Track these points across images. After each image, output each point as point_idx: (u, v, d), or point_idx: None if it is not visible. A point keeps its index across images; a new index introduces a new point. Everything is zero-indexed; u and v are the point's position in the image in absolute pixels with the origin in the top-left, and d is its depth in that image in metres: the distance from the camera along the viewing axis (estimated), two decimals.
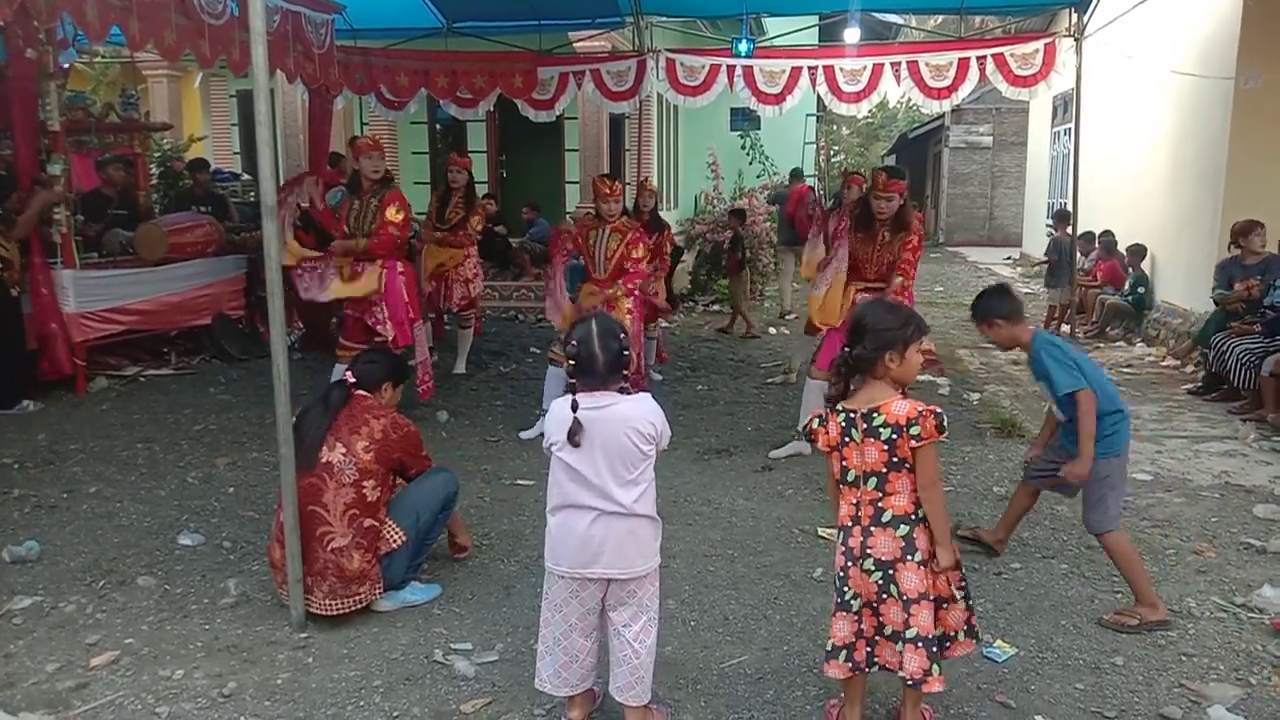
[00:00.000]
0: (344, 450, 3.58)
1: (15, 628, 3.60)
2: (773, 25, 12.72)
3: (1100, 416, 3.57)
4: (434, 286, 7.76)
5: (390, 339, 6.01)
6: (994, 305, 3.76)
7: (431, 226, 7.82)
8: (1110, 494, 3.67)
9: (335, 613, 3.57)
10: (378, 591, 3.67)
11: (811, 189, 8.81)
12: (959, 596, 2.83)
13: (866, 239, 5.55)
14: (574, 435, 2.72)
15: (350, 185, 6.29)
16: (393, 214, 5.95)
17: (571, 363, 2.77)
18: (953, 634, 2.84)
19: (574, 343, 2.77)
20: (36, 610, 3.74)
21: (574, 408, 2.73)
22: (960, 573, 2.84)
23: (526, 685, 3.18)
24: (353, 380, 3.75)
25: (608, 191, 6.09)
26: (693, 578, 4.04)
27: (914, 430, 2.65)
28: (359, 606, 3.61)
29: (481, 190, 10.48)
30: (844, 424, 2.76)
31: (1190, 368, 8.20)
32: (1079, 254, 10.63)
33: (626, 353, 2.76)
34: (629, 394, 2.81)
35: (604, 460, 2.73)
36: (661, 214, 8.69)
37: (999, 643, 3.45)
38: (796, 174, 12.71)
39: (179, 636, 3.53)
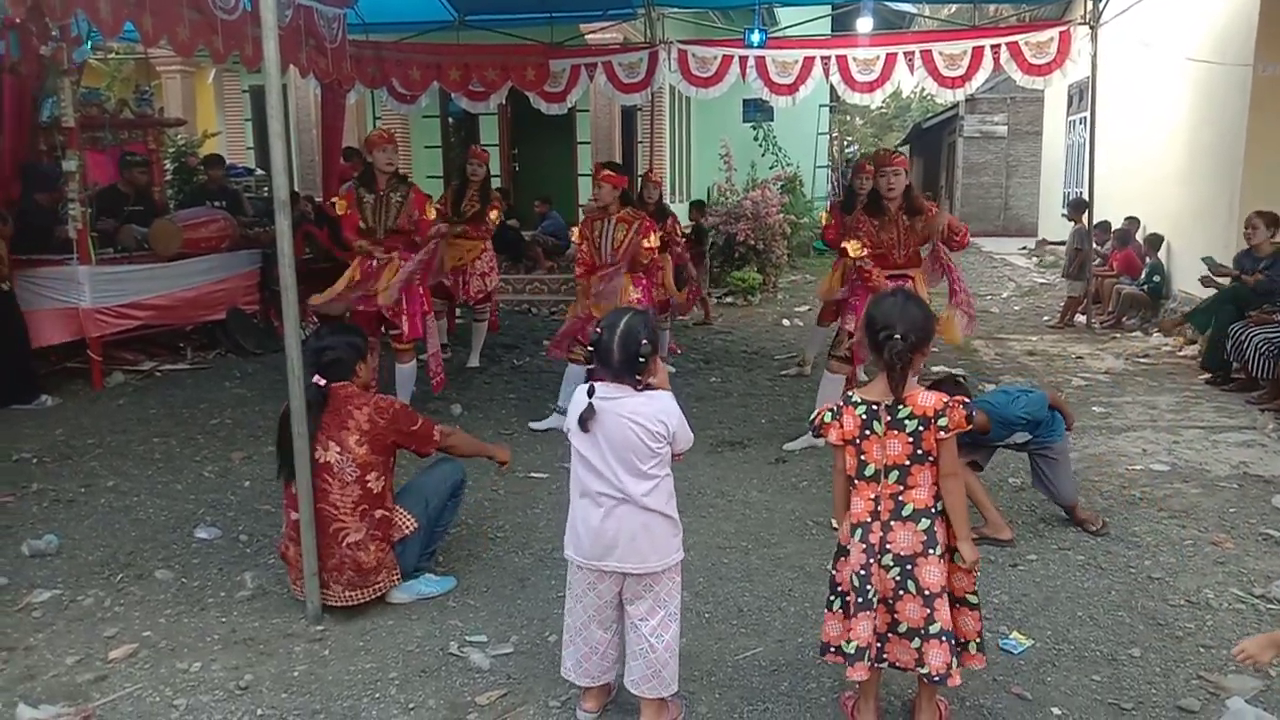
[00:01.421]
0: (338, 449, 3.54)
1: (35, 621, 3.63)
2: (785, 15, 12.66)
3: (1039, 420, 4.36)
4: (451, 280, 7.78)
5: (403, 332, 6.07)
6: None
7: (445, 218, 7.82)
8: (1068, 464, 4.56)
9: (353, 603, 3.58)
10: (395, 578, 3.68)
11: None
12: (974, 602, 2.80)
13: (884, 224, 5.46)
14: (585, 420, 2.74)
15: (363, 178, 6.26)
16: (430, 213, 6.28)
17: (591, 349, 2.80)
18: (965, 642, 2.80)
19: (599, 330, 2.80)
20: (55, 603, 3.77)
21: (590, 393, 2.75)
22: (973, 578, 2.81)
23: (541, 677, 3.19)
24: (324, 382, 3.59)
25: (601, 178, 6.09)
26: (707, 570, 4.04)
27: (942, 421, 2.62)
28: (376, 596, 3.63)
29: (493, 183, 10.48)
30: (864, 416, 2.71)
31: (1181, 341, 8.51)
32: (1094, 244, 10.56)
33: (644, 359, 2.74)
34: (645, 391, 2.79)
35: (611, 451, 2.75)
36: (673, 205, 8.69)
37: (1015, 634, 3.43)
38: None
39: (196, 629, 3.55)
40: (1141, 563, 4.07)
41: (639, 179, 9.84)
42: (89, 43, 8.31)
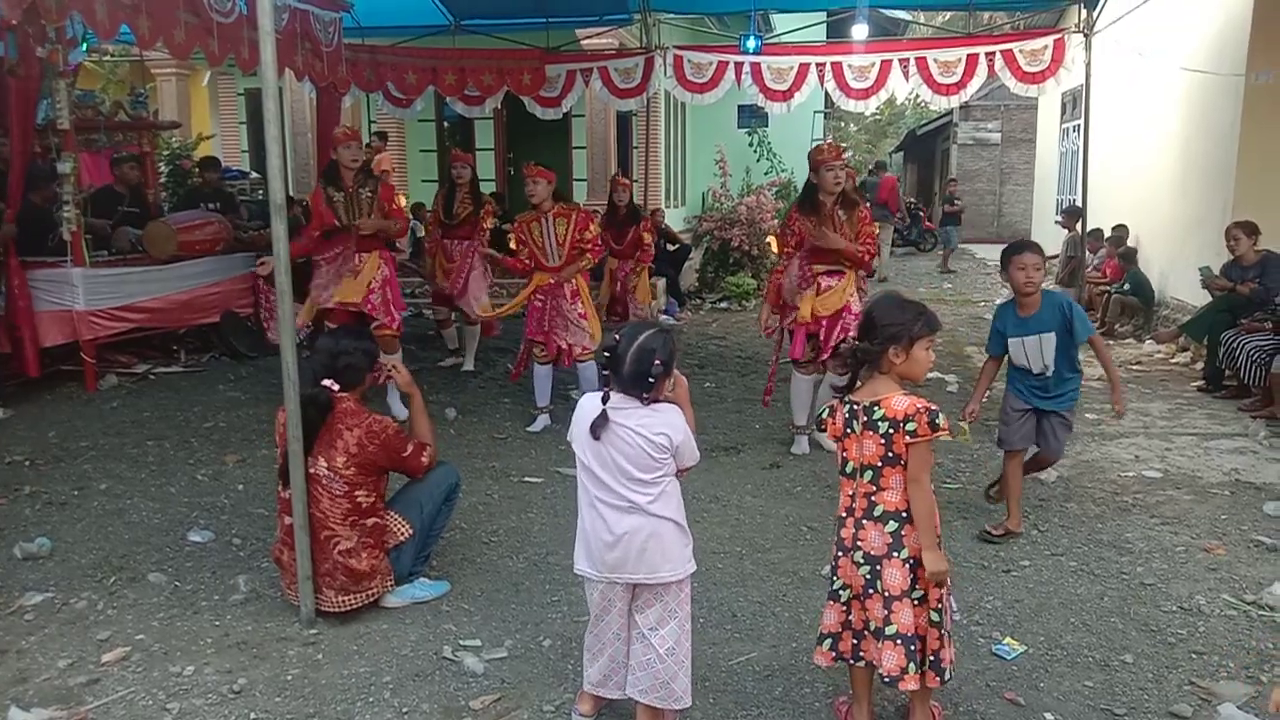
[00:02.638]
0: (326, 465, 3.53)
1: (27, 624, 3.62)
2: (781, 22, 12.72)
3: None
4: (448, 285, 7.78)
5: (386, 323, 6.12)
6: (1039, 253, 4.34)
7: (438, 223, 7.82)
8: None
9: (346, 609, 3.58)
10: (389, 584, 3.68)
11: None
12: (935, 620, 2.74)
13: (820, 220, 5.46)
14: (597, 430, 2.71)
15: (328, 176, 6.18)
16: (401, 201, 6.32)
17: (606, 355, 2.78)
18: (924, 660, 2.73)
19: (616, 338, 2.78)
20: (48, 606, 3.76)
21: (605, 400, 2.72)
22: (940, 594, 2.74)
23: (536, 681, 3.19)
24: (337, 387, 3.58)
25: (537, 173, 6.11)
26: (701, 575, 4.01)
27: (909, 426, 2.64)
28: (370, 600, 3.63)
29: (488, 187, 10.49)
30: (848, 415, 2.77)
31: (1173, 349, 8.64)
32: (1088, 251, 10.60)
33: (653, 380, 2.71)
34: (655, 403, 2.75)
35: (616, 462, 2.72)
36: (669, 210, 8.71)
37: (1008, 640, 3.44)
38: (881, 165, 14.25)
39: (189, 633, 3.55)
40: (1134, 569, 4.08)
41: (635, 183, 9.85)
42: (84, 45, 8.29)
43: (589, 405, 2.77)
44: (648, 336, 2.75)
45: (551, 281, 6.13)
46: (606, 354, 2.78)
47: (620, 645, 2.85)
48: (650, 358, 2.70)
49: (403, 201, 6.36)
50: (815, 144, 6.49)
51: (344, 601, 3.57)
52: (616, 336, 2.79)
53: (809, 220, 5.47)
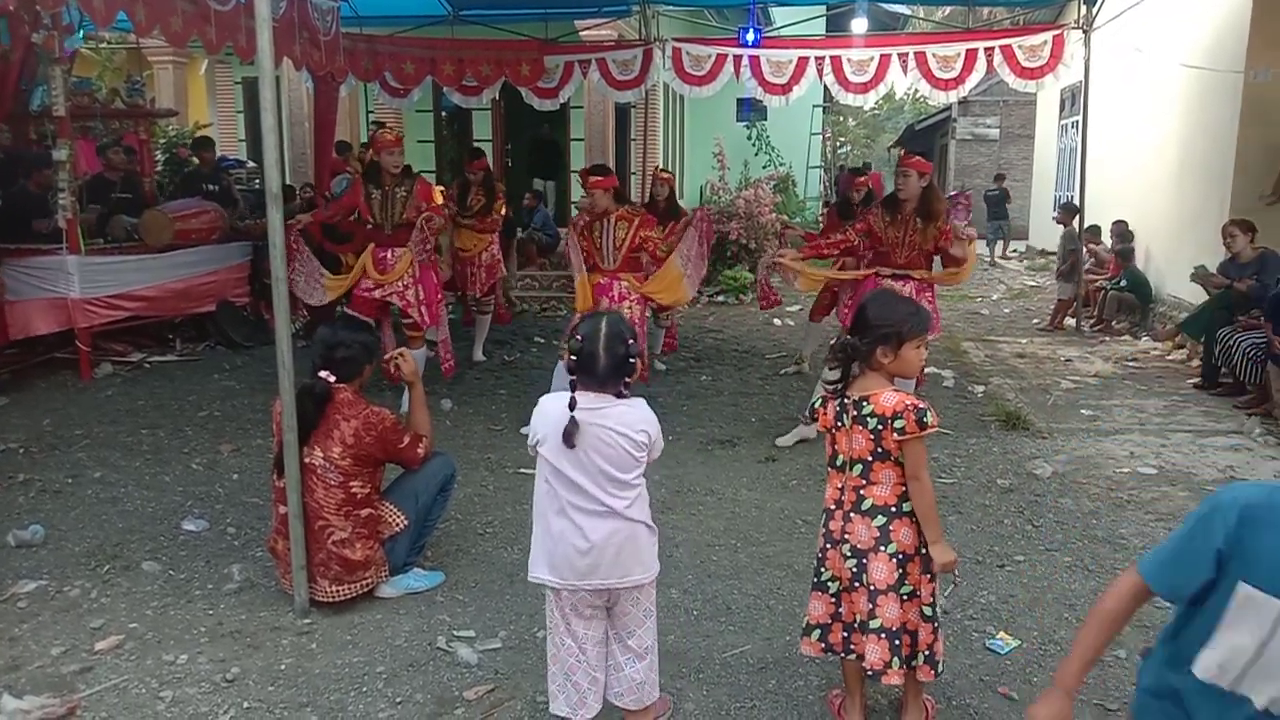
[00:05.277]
0: (322, 455, 3.52)
1: (20, 611, 3.62)
2: (780, 15, 12.69)
3: None
4: (458, 271, 7.81)
5: (421, 320, 6.29)
6: None
7: (453, 215, 7.84)
8: None
9: (340, 598, 3.58)
10: (383, 574, 3.68)
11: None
12: (929, 615, 2.75)
13: (894, 222, 5.61)
14: (569, 437, 2.58)
15: (369, 175, 6.39)
16: (438, 196, 6.49)
17: (574, 358, 2.65)
18: (918, 652, 2.75)
19: (579, 338, 2.64)
20: (41, 594, 3.75)
21: (572, 406, 2.59)
22: (934, 588, 2.76)
23: (529, 672, 3.20)
24: (334, 379, 3.57)
25: (589, 184, 6.11)
26: (695, 567, 4.04)
27: (898, 424, 2.64)
28: (364, 590, 3.63)
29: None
30: (838, 409, 2.78)
31: (1170, 346, 8.66)
32: (1084, 248, 10.59)
33: (632, 360, 2.65)
34: (625, 398, 2.67)
35: (594, 464, 2.61)
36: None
37: (1001, 635, 3.45)
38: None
39: (183, 621, 3.54)
40: (1128, 564, 4.08)
41: (632, 176, 9.83)
42: (81, 31, 8.25)
43: (554, 410, 2.61)
44: (609, 324, 2.65)
45: (602, 281, 6.12)
46: (574, 357, 2.63)
47: (586, 672, 2.69)
48: (622, 341, 2.63)
49: (439, 197, 6.44)
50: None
51: (338, 591, 3.57)
52: (578, 337, 2.65)
53: (884, 217, 5.68)
